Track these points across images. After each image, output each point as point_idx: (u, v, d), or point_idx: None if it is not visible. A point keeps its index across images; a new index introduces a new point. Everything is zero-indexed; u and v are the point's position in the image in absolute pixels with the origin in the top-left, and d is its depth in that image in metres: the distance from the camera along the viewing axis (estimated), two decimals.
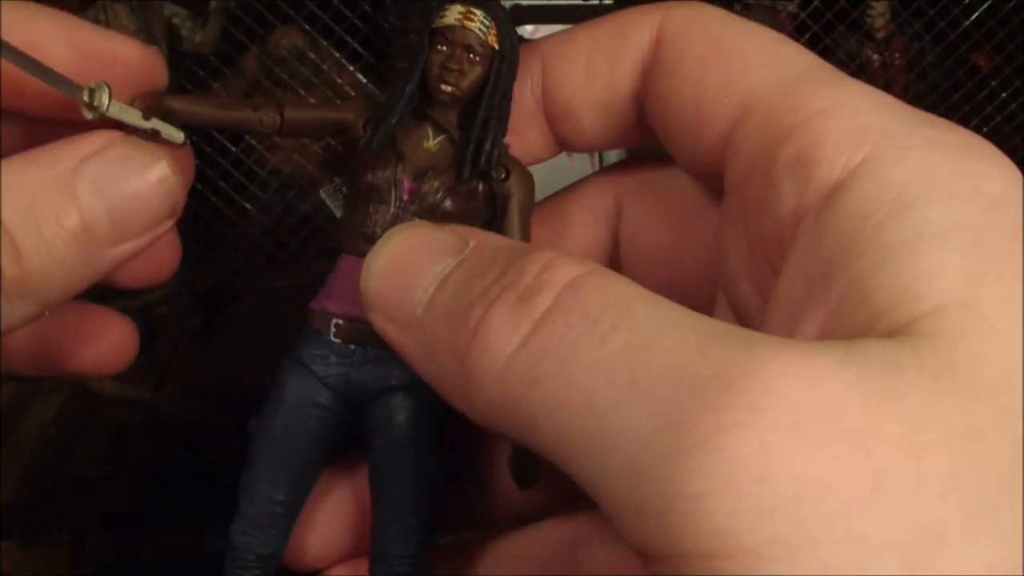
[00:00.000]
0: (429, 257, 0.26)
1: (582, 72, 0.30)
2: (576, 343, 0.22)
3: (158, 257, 0.32)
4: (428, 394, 0.26)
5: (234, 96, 0.81)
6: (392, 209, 0.28)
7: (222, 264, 0.81)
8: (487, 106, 0.28)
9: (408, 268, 0.26)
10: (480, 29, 0.28)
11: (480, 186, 0.29)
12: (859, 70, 0.84)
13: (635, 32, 0.29)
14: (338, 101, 0.79)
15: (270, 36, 0.78)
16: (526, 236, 0.29)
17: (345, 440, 0.31)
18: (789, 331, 0.23)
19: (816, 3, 0.80)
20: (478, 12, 0.28)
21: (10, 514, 0.62)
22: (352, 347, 0.29)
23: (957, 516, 0.18)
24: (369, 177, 0.28)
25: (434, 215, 0.28)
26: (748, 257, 0.27)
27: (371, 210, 0.28)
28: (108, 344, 0.33)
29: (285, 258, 0.79)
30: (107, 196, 0.27)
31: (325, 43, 0.77)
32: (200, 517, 0.61)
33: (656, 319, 0.21)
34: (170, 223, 0.28)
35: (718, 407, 0.19)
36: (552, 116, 0.30)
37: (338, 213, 0.31)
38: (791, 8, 0.82)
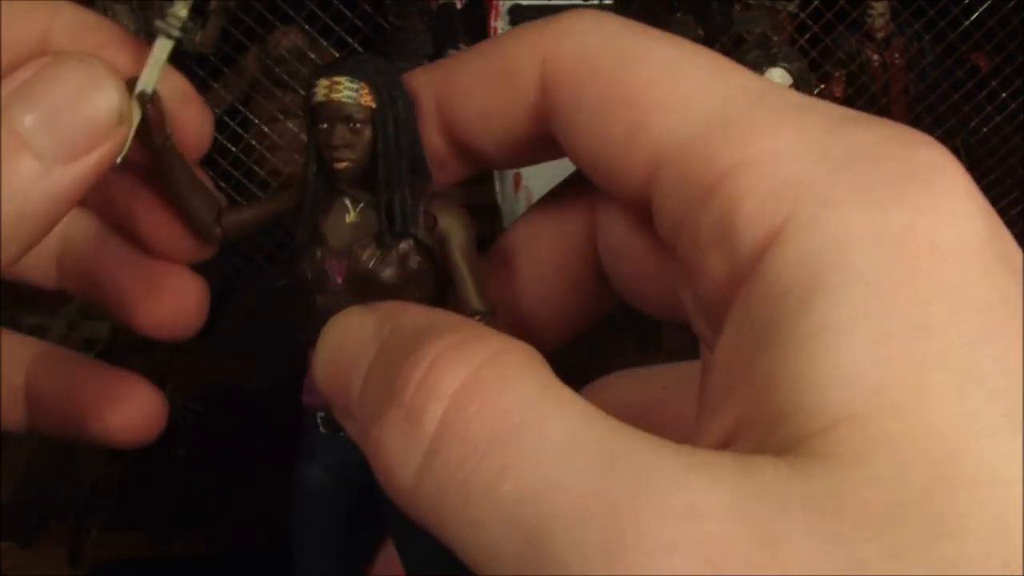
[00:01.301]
0: (358, 348, 0.25)
1: (476, 114, 0.28)
2: (468, 482, 0.21)
3: (183, 304, 0.32)
4: None
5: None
6: (331, 297, 0.28)
7: (222, 264, 0.81)
8: (384, 167, 0.27)
9: (342, 362, 0.25)
10: (349, 96, 0.27)
11: (410, 244, 0.28)
12: (859, 70, 0.84)
13: (520, 74, 0.27)
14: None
15: (270, 36, 0.78)
16: (474, 273, 0.28)
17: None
18: (711, 421, 0.23)
19: (816, 3, 0.80)
20: (342, 79, 0.27)
21: (10, 514, 0.62)
22: (340, 434, 0.28)
23: None
24: (304, 269, 0.28)
25: (374, 290, 0.28)
26: (695, 311, 0.26)
27: (316, 302, 0.28)
28: (135, 409, 0.33)
29: (285, 258, 0.79)
30: (40, 112, 0.26)
31: (325, 43, 0.77)
32: (200, 517, 0.61)
33: (546, 452, 0.21)
34: (121, 132, 0.28)
35: (604, 567, 0.19)
36: (461, 151, 0.29)
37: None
38: (791, 8, 0.82)
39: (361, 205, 0.28)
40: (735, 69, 0.24)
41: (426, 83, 0.28)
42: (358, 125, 0.27)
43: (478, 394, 0.22)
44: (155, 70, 0.28)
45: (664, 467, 0.20)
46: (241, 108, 0.79)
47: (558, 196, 0.31)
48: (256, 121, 0.79)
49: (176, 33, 0.27)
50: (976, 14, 0.79)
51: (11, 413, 0.33)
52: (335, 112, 0.27)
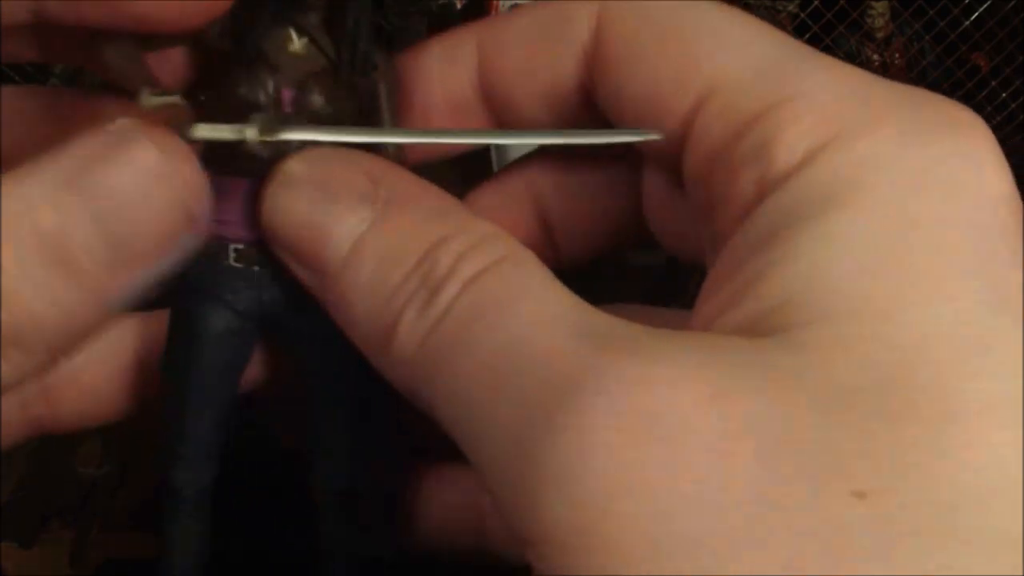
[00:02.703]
0: (341, 201, 0.25)
1: (522, 63, 0.28)
2: (457, 343, 0.22)
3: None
4: None
5: None
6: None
7: None
8: (353, 6, 0.27)
9: (317, 211, 0.25)
10: None
11: (354, 85, 0.28)
12: None
13: (574, 22, 0.28)
14: None
15: None
16: (394, 119, 0.28)
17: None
18: (697, 312, 0.24)
19: (816, 3, 0.80)
20: None
21: (10, 514, 0.62)
22: (256, 269, 0.27)
23: (755, 521, 0.18)
24: (242, 90, 0.26)
25: (318, 124, 0.27)
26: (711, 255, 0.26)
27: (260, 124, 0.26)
28: None
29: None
30: (94, 207, 0.22)
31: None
32: None
33: (534, 316, 0.22)
34: (188, 238, 0.24)
35: (557, 409, 0.20)
36: (491, 105, 0.29)
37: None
38: (791, 8, 0.82)
39: (304, 39, 0.27)
40: (781, 31, 0.26)
41: (470, 32, 0.29)
42: None
43: (493, 275, 0.23)
44: None
45: (633, 335, 0.21)
46: None
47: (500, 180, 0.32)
48: None
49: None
50: (976, 14, 0.79)
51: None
52: None
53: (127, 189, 0.23)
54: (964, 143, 0.22)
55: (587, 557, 0.19)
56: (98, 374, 0.30)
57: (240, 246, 0.28)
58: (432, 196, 0.26)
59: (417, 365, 0.23)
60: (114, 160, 0.23)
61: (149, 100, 0.26)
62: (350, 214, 0.25)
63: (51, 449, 0.67)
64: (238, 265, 0.28)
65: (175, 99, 0.26)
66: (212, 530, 0.29)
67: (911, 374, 0.20)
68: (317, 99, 0.27)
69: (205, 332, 0.28)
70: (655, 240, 0.32)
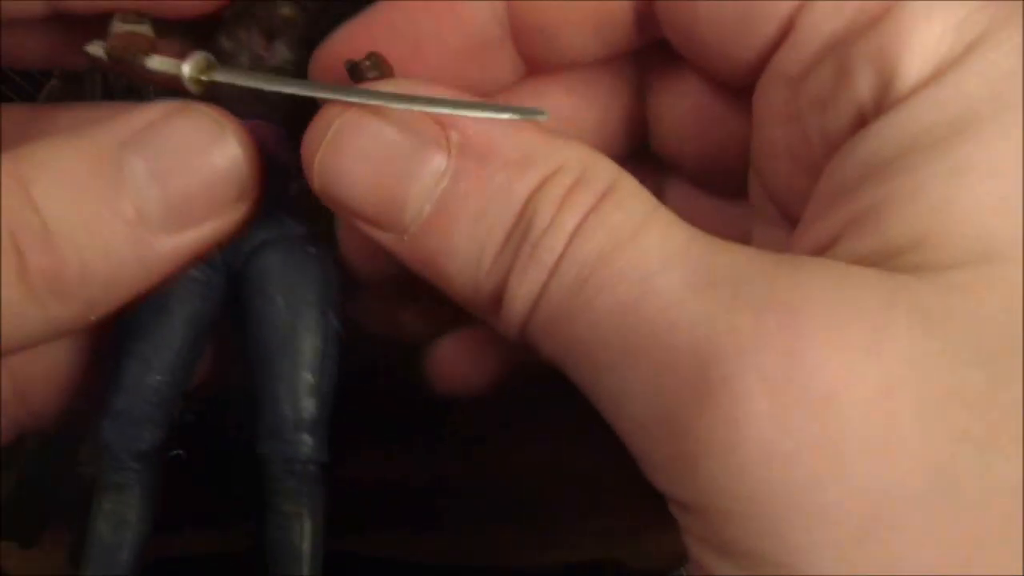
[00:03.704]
0: (410, 155, 0.22)
1: None
2: (573, 306, 0.21)
3: None
4: (310, 243, 0.25)
5: None
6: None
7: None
8: None
9: (384, 172, 0.23)
10: None
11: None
12: None
13: None
14: None
15: None
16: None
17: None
18: (804, 232, 0.22)
19: None
20: None
21: (10, 514, 0.62)
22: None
23: (921, 489, 0.18)
24: (224, 43, 0.27)
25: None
26: (791, 155, 0.24)
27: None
28: None
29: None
30: (155, 164, 0.23)
31: None
32: (199, 517, 0.61)
33: (644, 269, 0.21)
34: (237, 211, 0.24)
35: (704, 377, 0.19)
36: (522, 36, 0.27)
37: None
38: None
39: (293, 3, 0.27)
40: None
41: None
42: None
43: (593, 222, 0.22)
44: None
45: (763, 275, 0.20)
46: None
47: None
48: None
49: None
50: None
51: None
52: None
53: (183, 150, 0.23)
54: None
55: (748, 523, 0.19)
56: (69, 372, 0.29)
57: None
58: (505, 131, 0.23)
59: (534, 325, 0.22)
60: (178, 124, 0.23)
61: (119, 27, 0.26)
62: (422, 169, 0.23)
63: (51, 449, 0.67)
64: None
65: (144, 28, 0.26)
66: (154, 504, 0.27)
67: None
68: (284, 51, 0.27)
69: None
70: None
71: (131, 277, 0.24)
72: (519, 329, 0.23)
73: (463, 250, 0.23)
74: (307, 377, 0.26)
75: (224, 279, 0.28)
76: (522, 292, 0.22)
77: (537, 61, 0.27)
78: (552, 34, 0.27)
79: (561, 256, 0.22)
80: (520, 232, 0.22)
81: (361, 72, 0.25)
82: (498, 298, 0.23)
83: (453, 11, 0.26)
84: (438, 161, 0.23)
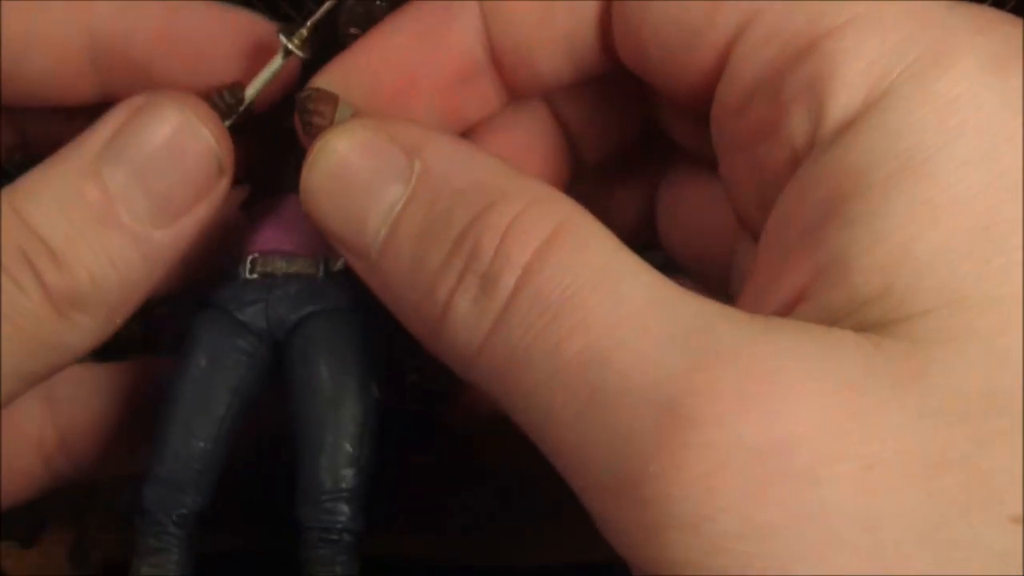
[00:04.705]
0: (376, 177, 0.23)
1: (536, 9, 0.26)
2: (533, 346, 0.20)
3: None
4: (355, 316, 0.25)
5: None
6: None
7: (222, 263, 0.81)
8: None
9: (353, 189, 0.23)
10: None
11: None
12: None
13: None
14: None
15: None
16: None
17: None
18: (769, 285, 0.21)
19: None
20: None
21: (10, 514, 0.62)
22: (268, 280, 0.27)
23: (909, 560, 0.17)
24: None
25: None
26: (750, 180, 0.24)
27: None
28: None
29: None
30: (131, 168, 0.23)
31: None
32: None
33: (616, 315, 0.20)
34: (221, 185, 0.25)
35: (673, 443, 0.18)
36: (503, 61, 0.27)
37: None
38: None
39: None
40: None
41: None
42: None
43: (551, 258, 0.21)
44: (263, 82, 0.27)
45: (740, 336, 0.19)
46: None
47: None
48: None
49: (301, 53, 0.26)
50: None
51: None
52: None
53: (158, 146, 0.24)
54: None
55: None
56: (110, 424, 0.31)
57: (255, 255, 0.28)
58: (471, 161, 0.24)
59: (483, 362, 0.22)
60: (142, 123, 0.24)
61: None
62: (384, 193, 0.23)
63: None
64: (251, 276, 0.28)
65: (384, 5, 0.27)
66: (191, 568, 0.28)
67: None
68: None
69: (199, 343, 0.28)
70: (655, 238, 0.31)
71: (142, 276, 0.25)
72: (466, 363, 0.22)
73: (407, 273, 0.23)
74: (347, 447, 0.27)
75: (269, 350, 0.28)
76: (469, 323, 0.22)
77: (517, 85, 0.28)
78: (527, 55, 0.27)
79: (515, 291, 0.21)
80: (461, 259, 0.22)
81: (302, 104, 0.26)
82: (440, 327, 0.23)
83: (447, 40, 0.27)
84: (396, 188, 0.23)
